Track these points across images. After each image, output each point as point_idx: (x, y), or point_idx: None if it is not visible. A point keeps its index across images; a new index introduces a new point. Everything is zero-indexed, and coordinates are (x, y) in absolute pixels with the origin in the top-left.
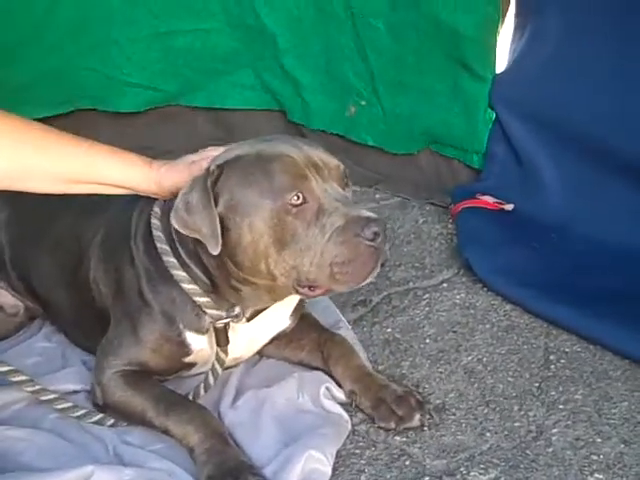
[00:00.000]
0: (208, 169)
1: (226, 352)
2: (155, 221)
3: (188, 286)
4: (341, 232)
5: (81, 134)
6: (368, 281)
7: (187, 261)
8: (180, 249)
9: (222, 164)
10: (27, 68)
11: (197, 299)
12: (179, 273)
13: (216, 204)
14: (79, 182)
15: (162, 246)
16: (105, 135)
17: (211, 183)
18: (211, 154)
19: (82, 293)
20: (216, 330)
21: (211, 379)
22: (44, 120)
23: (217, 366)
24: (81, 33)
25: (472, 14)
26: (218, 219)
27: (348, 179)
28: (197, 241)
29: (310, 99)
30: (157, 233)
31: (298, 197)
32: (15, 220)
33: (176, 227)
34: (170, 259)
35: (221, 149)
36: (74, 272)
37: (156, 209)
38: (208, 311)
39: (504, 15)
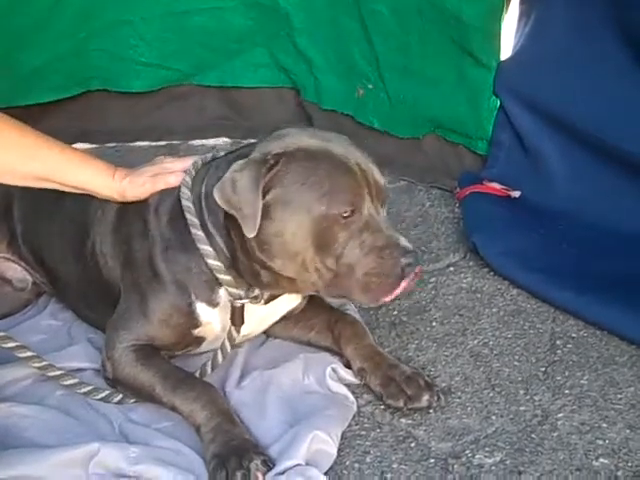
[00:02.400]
0: (265, 156)
1: (239, 331)
2: (186, 191)
3: (213, 262)
4: (380, 251)
5: (90, 113)
6: (386, 300)
7: (212, 232)
8: (208, 220)
9: (280, 154)
10: (40, 52)
11: (220, 276)
12: (206, 248)
13: (266, 192)
14: (47, 181)
15: (192, 218)
16: (113, 114)
17: (266, 170)
18: (168, 166)
19: (88, 266)
20: (233, 309)
21: (220, 357)
22: (55, 101)
23: (227, 344)
24: (93, 14)
25: (476, 2)
26: (261, 206)
27: (386, 197)
28: (230, 217)
29: (322, 78)
30: (187, 203)
31: (350, 211)
32: (28, 194)
33: (217, 200)
34: (198, 232)
35: (175, 161)
36: (81, 245)
37: (187, 179)
38: (229, 289)
39: (508, 2)
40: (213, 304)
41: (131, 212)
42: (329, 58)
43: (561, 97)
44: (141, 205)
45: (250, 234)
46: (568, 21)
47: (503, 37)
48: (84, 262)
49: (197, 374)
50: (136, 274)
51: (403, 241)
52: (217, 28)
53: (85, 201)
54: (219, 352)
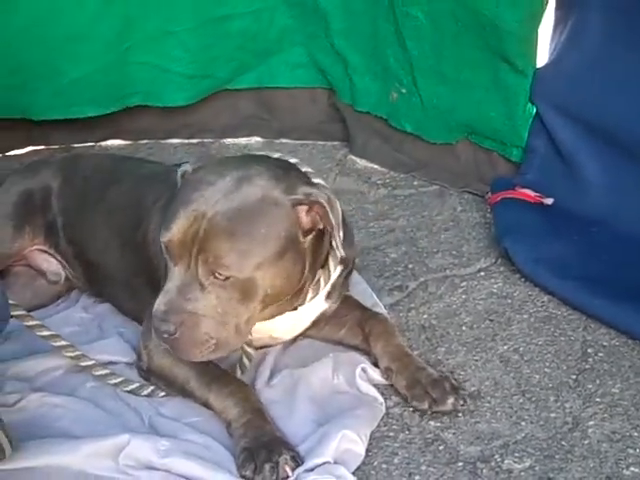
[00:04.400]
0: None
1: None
2: None
3: None
4: (154, 311)
5: (124, 114)
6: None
7: None
8: None
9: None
10: (81, 64)
11: None
12: None
13: None
14: None
15: None
16: (147, 115)
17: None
18: None
19: (138, 255)
20: None
21: (245, 361)
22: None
23: (248, 349)
24: (136, 25)
25: (515, 8)
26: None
27: (221, 268)
28: None
29: (357, 80)
30: None
31: (165, 245)
32: (69, 188)
33: None
34: None
35: None
36: (132, 234)
37: None
38: None
39: (545, 7)
40: None
41: None
42: (365, 60)
43: (598, 107)
44: None
45: None
46: (607, 26)
47: (540, 43)
48: (134, 252)
49: None
50: None
51: (164, 306)
52: (258, 29)
53: (137, 193)
54: (244, 356)
